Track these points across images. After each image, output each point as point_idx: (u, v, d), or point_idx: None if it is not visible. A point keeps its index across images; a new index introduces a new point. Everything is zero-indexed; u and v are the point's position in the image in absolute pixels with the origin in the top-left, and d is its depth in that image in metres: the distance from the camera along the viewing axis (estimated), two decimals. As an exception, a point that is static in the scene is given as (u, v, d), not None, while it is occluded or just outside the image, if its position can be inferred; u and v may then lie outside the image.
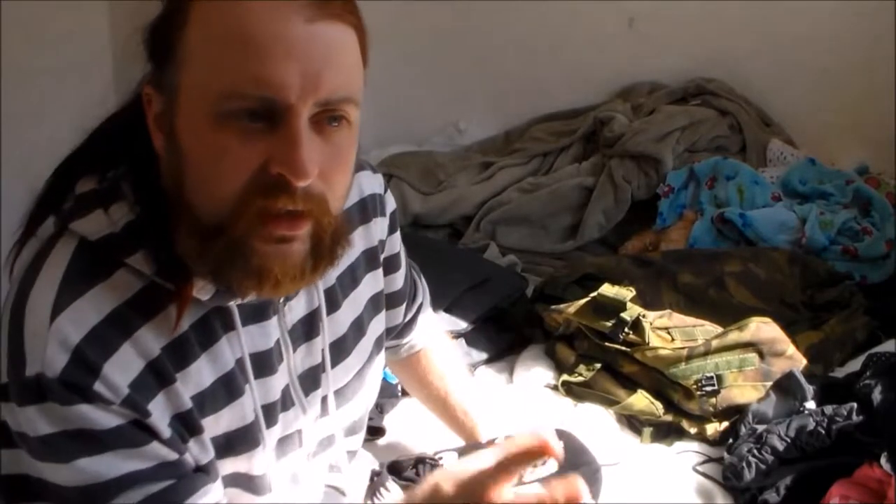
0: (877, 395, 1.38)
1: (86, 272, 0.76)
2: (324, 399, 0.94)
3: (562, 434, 1.29)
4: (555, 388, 1.73)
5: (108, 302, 0.75)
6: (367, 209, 0.99)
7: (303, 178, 0.71)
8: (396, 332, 1.16)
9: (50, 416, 0.73)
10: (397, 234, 1.06)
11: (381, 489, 1.13)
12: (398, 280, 1.08)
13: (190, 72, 0.73)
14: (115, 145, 0.82)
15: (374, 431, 1.57)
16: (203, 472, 0.82)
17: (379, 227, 1.01)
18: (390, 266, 1.05)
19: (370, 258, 1.00)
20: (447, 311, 1.79)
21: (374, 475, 1.17)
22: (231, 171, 0.72)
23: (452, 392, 1.29)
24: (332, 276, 0.93)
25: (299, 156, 0.71)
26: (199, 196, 0.74)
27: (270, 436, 0.88)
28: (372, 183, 1.00)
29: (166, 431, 0.78)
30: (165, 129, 0.76)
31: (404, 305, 1.12)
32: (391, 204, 1.04)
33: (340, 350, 0.95)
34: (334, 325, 0.94)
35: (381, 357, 1.05)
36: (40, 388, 0.72)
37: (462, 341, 1.80)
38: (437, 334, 1.29)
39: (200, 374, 0.80)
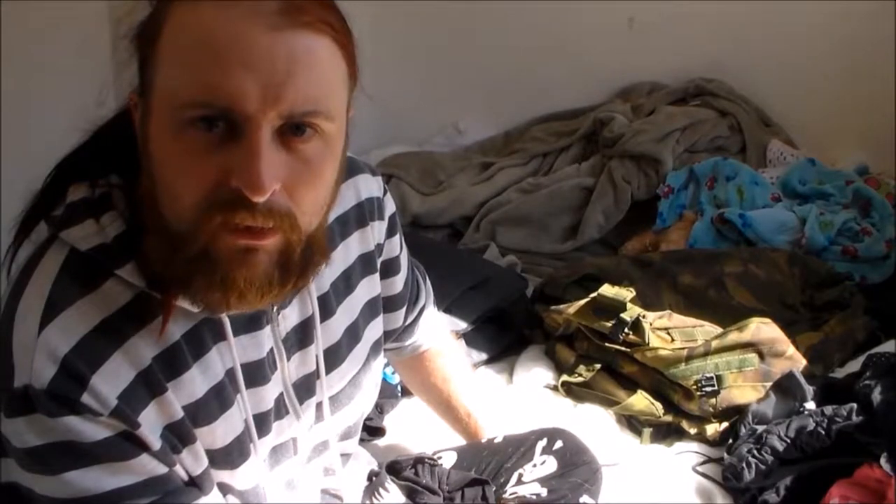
0: (877, 396, 1.37)
1: (75, 282, 0.75)
2: (318, 405, 0.94)
3: (562, 433, 1.29)
4: (555, 388, 1.73)
5: (97, 312, 0.75)
6: (363, 213, 0.97)
7: (259, 194, 0.68)
8: (397, 334, 1.16)
9: (37, 428, 0.72)
10: (397, 237, 1.05)
11: (380, 489, 1.13)
12: (397, 284, 1.07)
13: (160, 79, 0.72)
14: (107, 152, 0.81)
15: (374, 431, 1.57)
16: (194, 486, 0.82)
17: (376, 230, 0.99)
18: (389, 270, 1.05)
19: (366, 263, 0.99)
20: (447, 311, 1.79)
21: (373, 475, 1.17)
22: (191, 181, 0.70)
23: (456, 393, 1.29)
24: (325, 282, 0.92)
25: (257, 170, 0.68)
26: (166, 205, 0.73)
27: (263, 445, 0.88)
28: (370, 186, 0.99)
29: (156, 443, 0.77)
30: (142, 136, 0.75)
31: (404, 309, 1.12)
32: (390, 207, 1.03)
33: (335, 357, 0.94)
34: (328, 332, 0.93)
35: (379, 361, 1.04)
36: (28, 399, 0.71)
37: (462, 341, 1.80)
38: (442, 334, 1.29)
39: (193, 385, 0.80)
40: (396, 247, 1.05)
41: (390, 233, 1.03)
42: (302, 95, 0.70)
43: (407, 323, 1.16)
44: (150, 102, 0.73)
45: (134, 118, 0.77)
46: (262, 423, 0.87)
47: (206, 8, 0.69)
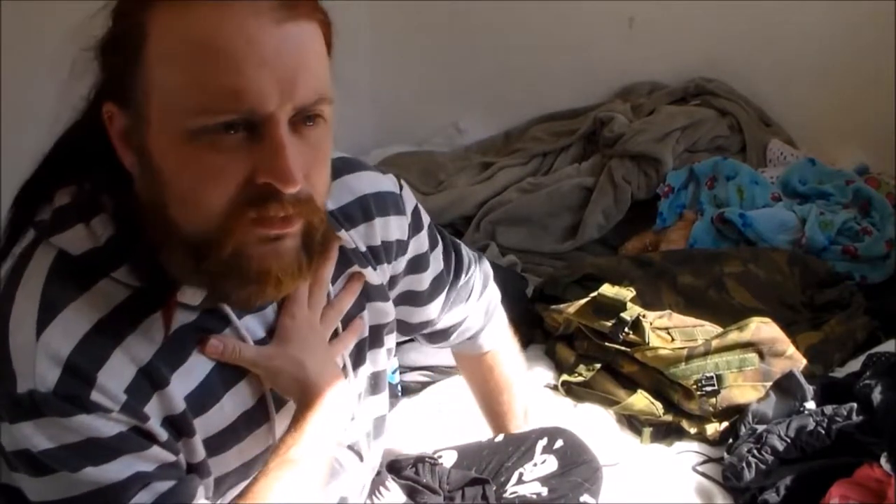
0: (877, 395, 1.38)
1: (68, 283, 0.75)
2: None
3: (562, 433, 1.29)
4: (555, 388, 1.73)
5: (94, 311, 0.74)
6: (368, 207, 0.96)
7: (292, 186, 0.70)
8: (432, 330, 1.15)
9: (49, 431, 0.72)
10: (424, 233, 1.04)
11: (381, 488, 1.13)
12: (424, 281, 1.06)
13: (157, 87, 0.71)
14: (83, 158, 0.80)
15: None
16: (195, 474, 0.82)
17: (395, 226, 0.98)
18: (417, 266, 1.04)
19: (374, 255, 0.97)
20: (447, 310, 1.79)
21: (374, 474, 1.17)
22: (217, 186, 0.71)
23: (506, 403, 1.29)
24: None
25: (286, 164, 0.70)
26: (183, 214, 0.73)
27: (282, 417, 0.87)
28: (376, 183, 0.98)
29: (163, 434, 0.78)
30: (135, 146, 0.74)
31: (432, 305, 1.09)
32: (410, 202, 1.02)
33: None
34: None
35: (388, 341, 1.04)
36: (34, 403, 0.71)
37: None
38: (505, 338, 1.28)
39: (195, 370, 0.80)
40: (424, 243, 1.04)
41: (416, 229, 1.02)
42: (310, 86, 0.71)
43: (442, 324, 1.14)
44: (145, 112, 0.72)
45: (109, 128, 0.75)
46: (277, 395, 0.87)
47: (202, 8, 0.69)
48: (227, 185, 0.71)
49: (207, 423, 0.82)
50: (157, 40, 0.70)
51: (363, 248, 0.96)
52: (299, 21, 0.71)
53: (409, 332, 1.12)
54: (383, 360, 1.01)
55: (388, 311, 0.99)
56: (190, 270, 0.74)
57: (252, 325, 0.84)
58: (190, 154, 0.70)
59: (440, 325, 1.15)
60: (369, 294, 0.96)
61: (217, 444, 0.83)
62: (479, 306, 1.19)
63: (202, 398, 0.81)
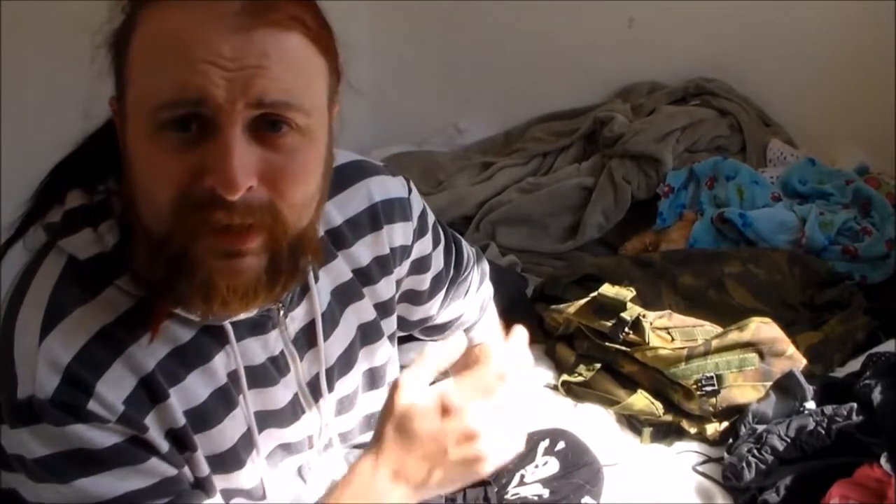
0: (877, 395, 1.38)
1: (75, 290, 0.75)
2: (340, 400, 0.94)
3: (564, 434, 1.29)
4: (555, 388, 1.73)
5: (96, 320, 0.74)
6: (377, 216, 0.95)
7: (233, 191, 0.67)
8: (430, 325, 1.15)
9: (44, 438, 0.72)
10: (428, 236, 1.03)
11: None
12: (425, 280, 1.06)
13: (133, 84, 0.71)
14: (101, 158, 0.80)
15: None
16: (200, 490, 0.82)
17: (397, 233, 0.97)
18: (420, 267, 1.03)
19: (382, 265, 0.97)
20: (447, 311, 1.79)
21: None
22: (164, 181, 0.69)
23: None
24: (341, 279, 0.92)
25: (230, 167, 0.67)
26: (144, 208, 0.72)
27: (270, 437, 0.87)
28: (386, 187, 0.97)
29: (164, 445, 0.77)
30: (121, 140, 0.75)
31: (431, 303, 1.10)
32: (418, 205, 1.00)
33: (349, 353, 0.94)
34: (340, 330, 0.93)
35: (395, 352, 1.04)
36: (32, 409, 0.71)
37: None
38: (495, 334, 1.27)
39: (195, 389, 0.80)
40: (428, 245, 1.03)
41: (420, 233, 1.01)
42: (270, 85, 0.69)
43: (440, 319, 1.14)
44: (125, 107, 0.73)
45: (116, 123, 0.76)
46: (270, 421, 0.87)
47: (172, 10, 0.69)
48: (173, 180, 0.69)
49: (209, 442, 0.82)
50: (137, 40, 0.71)
51: (368, 261, 0.94)
52: (267, 29, 0.69)
53: (409, 328, 1.12)
54: (380, 356, 1.00)
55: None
56: (147, 267, 0.73)
57: (253, 348, 0.84)
58: (149, 149, 0.70)
59: (438, 321, 1.15)
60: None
61: (219, 462, 0.83)
62: (475, 301, 1.20)
63: (203, 416, 0.81)
